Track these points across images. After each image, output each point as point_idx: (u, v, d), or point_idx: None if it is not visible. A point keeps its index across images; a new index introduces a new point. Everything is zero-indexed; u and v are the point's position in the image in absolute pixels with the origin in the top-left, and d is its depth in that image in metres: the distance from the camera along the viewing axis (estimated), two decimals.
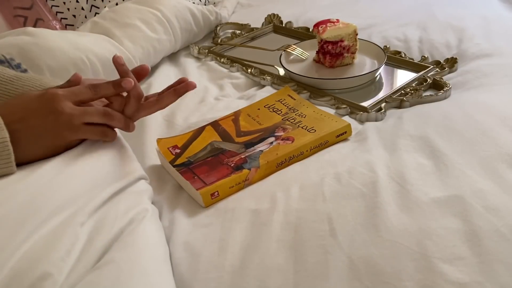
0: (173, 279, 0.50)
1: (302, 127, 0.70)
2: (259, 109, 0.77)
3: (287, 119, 0.73)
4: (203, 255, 0.52)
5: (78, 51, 0.81)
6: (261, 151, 0.66)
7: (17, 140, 0.51)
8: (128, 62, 0.89)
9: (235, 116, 0.76)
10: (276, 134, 0.69)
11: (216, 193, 0.60)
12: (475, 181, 0.54)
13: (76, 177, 0.52)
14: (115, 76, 0.93)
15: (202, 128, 0.74)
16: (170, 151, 0.69)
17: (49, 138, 0.54)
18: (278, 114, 0.75)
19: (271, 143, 0.67)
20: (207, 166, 0.64)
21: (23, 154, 0.52)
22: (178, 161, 0.66)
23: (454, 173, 0.56)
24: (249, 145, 0.68)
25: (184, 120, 0.80)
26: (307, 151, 0.66)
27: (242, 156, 0.65)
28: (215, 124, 0.74)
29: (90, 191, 0.51)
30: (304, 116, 0.73)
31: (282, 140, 0.67)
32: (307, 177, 0.60)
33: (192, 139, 0.71)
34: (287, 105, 0.77)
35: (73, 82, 0.58)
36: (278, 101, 0.79)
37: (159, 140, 0.71)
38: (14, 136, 0.51)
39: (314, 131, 0.68)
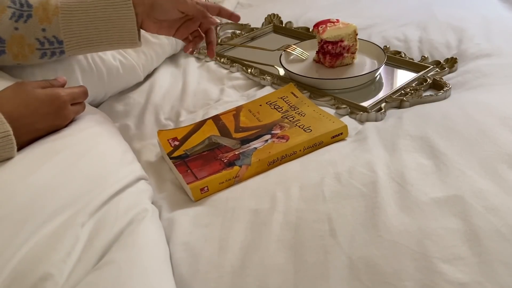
0: (173, 279, 0.50)
1: (299, 126, 0.70)
2: (260, 105, 0.77)
3: (286, 117, 0.73)
4: (203, 255, 0.52)
5: (84, 56, 0.82)
6: (255, 148, 0.66)
7: (20, 135, 0.54)
8: (133, 70, 0.90)
9: (237, 111, 0.76)
10: (273, 131, 0.70)
11: (206, 188, 0.61)
12: (475, 181, 0.54)
13: (76, 178, 0.52)
14: (119, 81, 0.93)
15: (203, 122, 0.75)
16: (169, 142, 0.70)
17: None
18: (279, 111, 0.75)
19: (266, 140, 0.68)
20: (202, 160, 0.65)
21: (22, 144, 0.55)
22: (176, 154, 0.67)
23: (454, 173, 0.55)
24: (244, 141, 0.68)
25: (184, 120, 0.80)
26: (300, 150, 0.66)
27: (236, 153, 0.66)
28: (216, 118, 0.75)
29: (91, 192, 0.51)
30: (303, 114, 0.73)
31: (277, 138, 0.68)
32: (307, 177, 0.60)
33: (192, 132, 0.72)
34: (289, 103, 0.77)
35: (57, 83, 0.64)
36: (281, 98, 0.79)
37: (159, 132, 0.72)
38: (21, 130, 0.55)
39: (310, 130, 0.69)
